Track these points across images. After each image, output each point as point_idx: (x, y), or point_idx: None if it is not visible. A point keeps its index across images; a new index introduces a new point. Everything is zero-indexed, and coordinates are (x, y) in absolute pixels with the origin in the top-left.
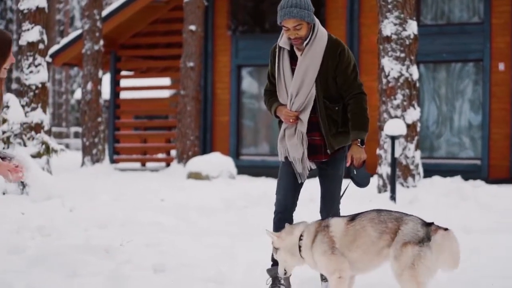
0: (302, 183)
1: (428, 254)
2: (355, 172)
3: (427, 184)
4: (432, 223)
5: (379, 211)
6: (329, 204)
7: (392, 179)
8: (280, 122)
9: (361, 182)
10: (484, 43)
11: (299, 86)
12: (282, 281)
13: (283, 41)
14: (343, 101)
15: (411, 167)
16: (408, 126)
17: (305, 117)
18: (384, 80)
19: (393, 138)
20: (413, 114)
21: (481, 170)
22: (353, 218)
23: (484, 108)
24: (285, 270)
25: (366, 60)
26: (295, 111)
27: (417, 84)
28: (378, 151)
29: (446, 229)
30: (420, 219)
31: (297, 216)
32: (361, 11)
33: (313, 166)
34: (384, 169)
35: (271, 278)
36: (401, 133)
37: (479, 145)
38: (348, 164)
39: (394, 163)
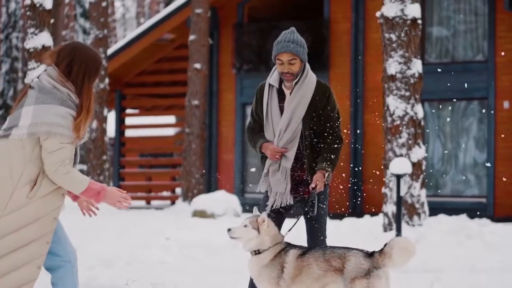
0: (284, 219)
1: (377, 283)
2: (315, 195)
3: (432, 222)
4: (374, 252)
5: (324, 249)
6: (318, 240)
7: (398, 217)
8: (263, 158)
9: (314, 209)
10: (489, 81)
11: (288, 122)
12: None
13: (273, 78)
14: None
15: (417, 205)
16: (413, 164)
17: (291, 153)
18: (389, 119)
19: (398, 177)
20: (418, 153)
21: (486, 208)
22: (304, 253)
23: (489, 146)
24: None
25: (370, 98)
26: (282, 148)
27: (422, 123)
28: (383, 190)
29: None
30: (362, 251)
31: None
32: (366, 49)
33: (291, 201)
34: (390, 207)
35: None
36: (406, 171)
37: (484, 183)
38: (313, 186)
39: (399, 201)
